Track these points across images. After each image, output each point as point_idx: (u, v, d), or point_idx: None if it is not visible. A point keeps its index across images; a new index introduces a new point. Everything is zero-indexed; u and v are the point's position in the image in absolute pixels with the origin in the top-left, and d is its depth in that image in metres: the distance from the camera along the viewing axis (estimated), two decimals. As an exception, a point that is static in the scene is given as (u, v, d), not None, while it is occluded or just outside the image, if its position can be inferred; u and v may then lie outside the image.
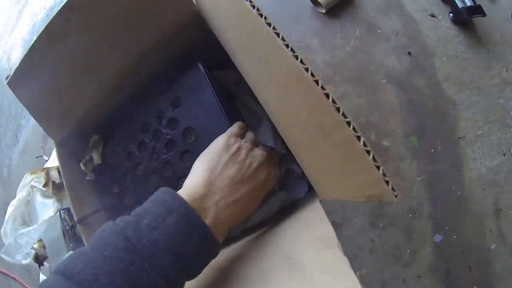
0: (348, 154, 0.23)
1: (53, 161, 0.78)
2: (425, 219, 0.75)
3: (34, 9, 1.73)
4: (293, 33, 0.87)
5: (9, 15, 1.89)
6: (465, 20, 0.82)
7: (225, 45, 0.43)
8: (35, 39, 0.45)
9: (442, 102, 0.79)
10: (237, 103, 0.54)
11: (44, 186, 0.67)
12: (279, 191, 0.49)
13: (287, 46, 0.22)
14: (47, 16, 1.59)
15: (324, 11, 0.87)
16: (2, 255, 0.63)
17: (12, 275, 1.24)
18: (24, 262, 0.65)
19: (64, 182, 0.58)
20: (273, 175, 0.38)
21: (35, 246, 0.67)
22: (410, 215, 0.75)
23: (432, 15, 0.85)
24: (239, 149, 0.36)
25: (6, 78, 0.52)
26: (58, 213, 0.66)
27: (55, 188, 0.66)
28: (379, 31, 0.85)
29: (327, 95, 0.22)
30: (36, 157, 1.15)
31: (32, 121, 1.38)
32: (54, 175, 0.68)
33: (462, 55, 0.82)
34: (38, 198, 0.67)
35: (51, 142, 1.22)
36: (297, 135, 0.32)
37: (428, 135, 0.77)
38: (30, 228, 0.62)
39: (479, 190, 0.76)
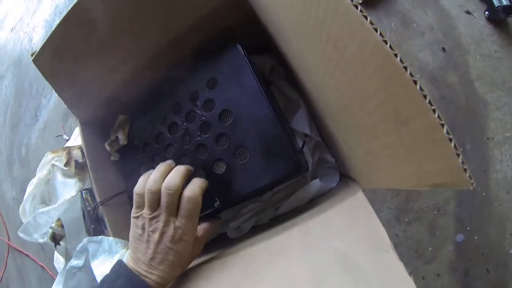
0: (426, 142, 0.22)
1: (74, 140, 0.76)
2: (449, 217, 0.74)
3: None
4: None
5: (30, -3, 1.88)
6: (501, 19, 0.81)
7: (272, 26, 0.41)
8: (62, 17, 0.44)
9: (473, 101, 0.79)
10: (273, 89, 0.53)
11: (65, 165, 0.64)
12: (311, 180, 0.48)
13: (375, 30, 0.21)
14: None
15: (360, 1, 0.85)
16: (20, 234, 0.62)
17: (25, 252, 1.25)
18: (41, 241, 0.63)
19: (87, 162, 0.56)
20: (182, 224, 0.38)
21: (53, 225, 0.65)
22: (435, 212, 0.75)
23: (468, 12, 0.83)
24: (143, 228, 0.39)
25: (32, 55, 0.50)
26: (79, 193, 0.64)
27: (77, 168, 0.63)
28: (415, 25, 0.85)
29: (415, 82, 0.20)
30: (56, 136, 1.15)
31: (53, 100, 1.38)
32: (77, 154, 0.64)
33: (495, 55, 0.81)
34: (59, 177, 0.65)
35: (71, 121, 1.22)
36: (356, 123, 0.31)
37: (458, 133, 0.77)
38: (50, 207, 0.60)
39: (503, 192, 0.76)
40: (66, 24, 0.44)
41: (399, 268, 0.25)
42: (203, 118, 0.46)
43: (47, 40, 0.47)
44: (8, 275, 1.34)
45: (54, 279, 0.60)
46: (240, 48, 0.45)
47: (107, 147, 0.58)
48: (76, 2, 0.42)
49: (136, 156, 0.54)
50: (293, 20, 0.31)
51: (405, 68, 0.20)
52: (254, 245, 0.40)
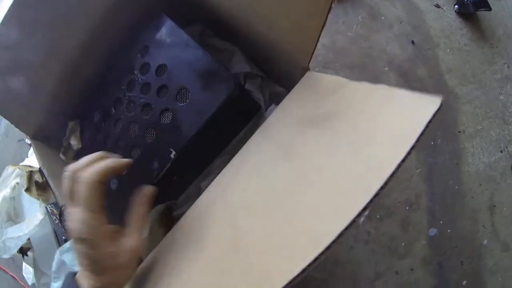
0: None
1: (33, 160, 0.75)
2: (422, 212, 0.72)
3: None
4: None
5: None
6: (470, 13, 0.82)
7: None
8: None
9: (444, 94, 0.78)
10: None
11: (26, 190, 0.62)
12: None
13: None
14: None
15: None
16: None
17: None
18: (6, 257, 0.62)
19: (45, 173, 0.53)
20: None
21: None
22: (407, 207, 0.73)
23: (437, 6, 0.84)
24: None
25: None
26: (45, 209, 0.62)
27: (39, 189, 0.62)
28: (383, 17, 0.84)
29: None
30: (18, 140, 1.09)
31: None
32: (38, 178, 0.64)
33: (465, 48, 0.82)
34: (24, 194, 0.64)
35: None
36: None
37: (429, 126, 0.76)
38: (20, 233, 0.59)
39: (475, 185, 0.75)
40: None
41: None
42: (142, 80, 0.46)
43: None
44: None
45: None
46: (165, 15, 0.47)
47: (62, 157, 0.56)
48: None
49: (91, 149, 0.52)
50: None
51: None
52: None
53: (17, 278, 1.08)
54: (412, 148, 0.18)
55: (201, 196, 0.38)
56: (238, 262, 0.22)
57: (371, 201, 0.17)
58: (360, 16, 0.84)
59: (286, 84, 0.49)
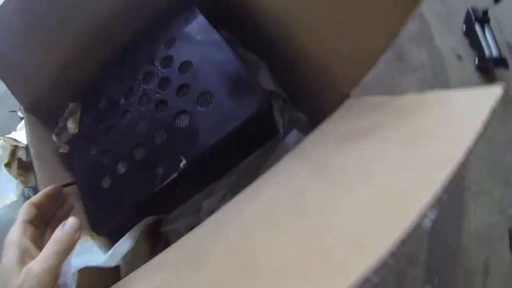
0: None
1: (21, 135, 0.69)
2: (420, 267, 0.69)
3: None
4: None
5: None
6: (489, 69, 0.81)
7: None
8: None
9: None
10: None
11: (6, 165, 0.57)
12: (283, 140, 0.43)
13: None
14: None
15: None
16: None
17: None
18: None
19: (31, 152, 0.49)
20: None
21: None
22: (406, 261, 0.70)
23: (459, 56, 0.83)
24: None
25: None
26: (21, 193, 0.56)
27: (21, 168, 0.56)
28: (408, 60, 0.84)
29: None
30: (10, 111, 1.03)
31: None
32: (21, 155, 0.58)
33: None
34: (3, 169, 0.58)
35: None
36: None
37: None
38: None
39: (473, 245, 0.72)
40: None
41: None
42: (161, 74, 0.43)
43: None
44: None
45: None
46: (197, 9, 0.45)
47: (55, 138, 0.51)
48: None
49: (88, 139, 0.48)
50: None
51: None
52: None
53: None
54: (480, 137, 0.16)
55: (207, 219, 0.33)
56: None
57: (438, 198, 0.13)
58: (387, 55, 0.84)
59: (309, 109, 0.46)
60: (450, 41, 0.87)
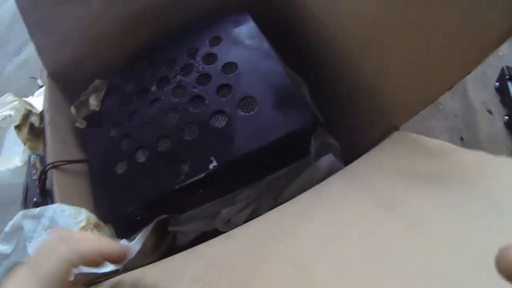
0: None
1: (37, 101, 0.67)
2: None
3: None
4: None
5: None
6: None
7: None
8: None
9: None
10: None
11: (16, 127, 0.55)
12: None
13: None
14: None
15: None
16: None
17: None
18: None
19: (45, 119, 0.48)
20: None
21: None
22: None
23: (489, 111, 0.86)
24: None
25: None
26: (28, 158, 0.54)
27: (31, 133, 0.54)
28: (441, 107, 0.87)
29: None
30: (30, 77, 1.06)
31: None
32: (34, 120, 0.56)
33: None
34: (13, 131, 0.56)
35: None
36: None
37: None
38: None
39: None
40: None
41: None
42: (202, 70, 0.43)
43: None
44: None
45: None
46: (249, 15, 0.46)
47: (73, 111, 0.49)
48: None
49: (108, 118, 0.46)
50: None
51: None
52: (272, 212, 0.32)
53: None
54: None
55: (241, 231, 0.31)
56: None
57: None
58: None
59: (344, 137, 0.44)
60: (483, 96, 0.89)
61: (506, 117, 0.83)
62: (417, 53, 0.28)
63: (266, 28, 0.47)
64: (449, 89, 0.27)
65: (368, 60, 0.34)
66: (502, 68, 0.87)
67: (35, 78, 1.00)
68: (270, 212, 0.32)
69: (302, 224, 0.27)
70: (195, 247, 0.31)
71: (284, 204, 0.32)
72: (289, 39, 0.47)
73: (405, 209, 0.23)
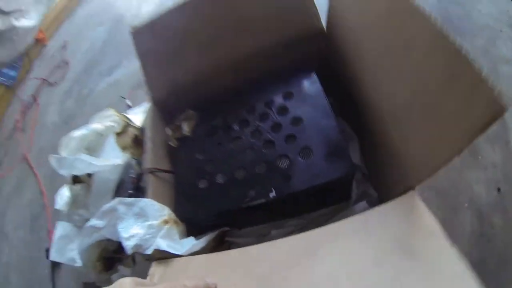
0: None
1: (136, 112, 0.80)
2: None
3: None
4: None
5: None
6: None
7: (347, 57, 0.52)
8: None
9: (510, 249, 0.77)
10: None
11: (117, 134, 0.67)
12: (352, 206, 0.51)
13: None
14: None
15: None
16: (53, 159, 0.63)
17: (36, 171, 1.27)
18: (66, 173, 0.64)
19: (146, 133, 0.60)
20: None
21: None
22: None
23: None
24: None
25: (133, 28, 0.61)
26: (128, 159, 0.65)
27: (134, 141, 0.68)
28: (480, 157, 0.86)
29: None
30: (121, 96, 1.19)
31: (133, 66, 1.43)
32: (134, 131, 0.69)
33: None
34: (113, 139, 0.68)
35: (139, 93, 1.25)
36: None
37: (486, 273, 0.74)
38: (93, 160, 0.62)
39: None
40: (177, 13, 0.56)
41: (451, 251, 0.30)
42: (276, 119, 0.53)
43: (152, 21, 0.59)
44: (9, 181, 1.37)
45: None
46: (315, 75, 0.56)
47: (168, 132, 0.62)
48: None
49: (197, 144, 0.59)
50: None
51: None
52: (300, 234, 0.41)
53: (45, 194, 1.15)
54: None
55: (279, 245, 0.41)
56: None
57: None
58: None
59: (379, 189, 0.52)
60: None
61: (546, 175, 0.82)
62: (430, 128, 0.35)
63: (331, 81, 0.55)
64: (458, 155, 0.33)
65: (396, 130, 0.42)
66: (546, 122, 0.85)
67: (124, 98, 1.10)
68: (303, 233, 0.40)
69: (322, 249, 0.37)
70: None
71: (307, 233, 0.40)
72: (349, 96, 0.54)
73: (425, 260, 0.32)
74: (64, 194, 0.71)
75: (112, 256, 0.60)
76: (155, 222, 0.47)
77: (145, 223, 0.47)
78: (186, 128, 0.62)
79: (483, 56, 1.11)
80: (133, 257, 0.58)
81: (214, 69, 0.61)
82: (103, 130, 0.69)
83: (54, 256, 0.59)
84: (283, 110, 0.54)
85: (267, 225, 0.52)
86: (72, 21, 2.31)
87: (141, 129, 0.69)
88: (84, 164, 0.61)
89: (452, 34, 0.30)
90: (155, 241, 0.45)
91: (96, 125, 0.69)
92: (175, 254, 0.45)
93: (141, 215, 0.48)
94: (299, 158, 0.47)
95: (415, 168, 0.39)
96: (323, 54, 0.60)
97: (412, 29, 0.35)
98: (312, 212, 0.51)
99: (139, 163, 0.65)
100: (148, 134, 0.60)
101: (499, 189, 0.82)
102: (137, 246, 0.45)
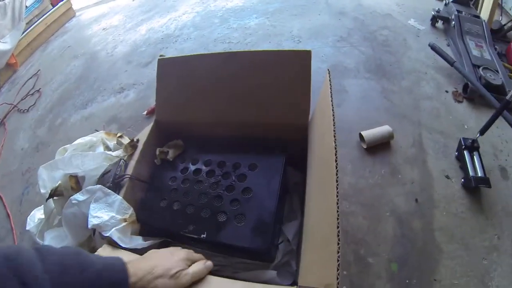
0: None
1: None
2: None
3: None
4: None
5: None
6: (472, 187, 0.96)
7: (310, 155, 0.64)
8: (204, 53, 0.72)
9: (430, 246, 0.88)
10: (288, 197, 0.74)
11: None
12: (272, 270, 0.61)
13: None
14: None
15: (365, 147, 1.13)
16: (42, 168, 0.73)
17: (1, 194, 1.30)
18: (42, 191, 0.73)
19: (140, 145, 0.75)
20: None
21: (63, 180, 0.74)
22: None
23: (447, 177, 1.01)
24: (181, 272, 0.49)
25: (160, 56, 0.75)
26: (120, 156, 0.76)
27: (129, 145, 0.77)
28: (400, 176, 1.03)
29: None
30: (95, 130, 1.19)
31: (107, 103, 1.59)
32: (133, 140, 0.79)
33: (461, 215, 0.94)
34: (101, 148, 0.83)
35: (113, 127, 1.39)
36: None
37: (408, 267, 0.86)
38: (89, 153, 0.75)
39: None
40: (206, 59, 0.73)
41: None
42: (233, 182, 0.66)
43: (181, 57, 0.78)
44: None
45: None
46: (284, 160, 0.66)
47: (157, 151, 0.77)
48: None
49: (171, 170, 0.74)
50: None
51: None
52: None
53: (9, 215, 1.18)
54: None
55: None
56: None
57: None
58: (383, 170, 1.07)
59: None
60: (442, 164, 1.06)
61: (463, 180, 0.98)
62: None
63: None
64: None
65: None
66: (460, 139, 1.06)
67: (97, 131, 1.08)
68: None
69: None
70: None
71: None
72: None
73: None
74: (35, 216, 0.85)
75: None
76: (118, 216, 0.62)
77: (110, 214, 0.61)
78: (170, 154, 0.76)
79: (408, 94, 1.31)
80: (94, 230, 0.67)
81: (214, 119, 0.75)
82: (97, 141, 0.84)
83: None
84: (242, 177, 0.66)
85: (200, 250, 0.62)
86: (46, 50, 2.31)
87: (137, 140, 0.80)
88: (79, 159, 0.73)
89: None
90: (111, 230, 0.59)
91: (90, 137, 0.84)
92: (121, 246, 0.59)
93: (111, 206, 0.63)
94: (234, 220, 0.60)
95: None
96: (302, 144, 0.70)
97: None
98: (236, 258, 0.64)
99: (126, 166, 0.75)
100: (141, 147, 0.74)
101: (416, 200, 0.97)
102: (96, 225, 0.59)
